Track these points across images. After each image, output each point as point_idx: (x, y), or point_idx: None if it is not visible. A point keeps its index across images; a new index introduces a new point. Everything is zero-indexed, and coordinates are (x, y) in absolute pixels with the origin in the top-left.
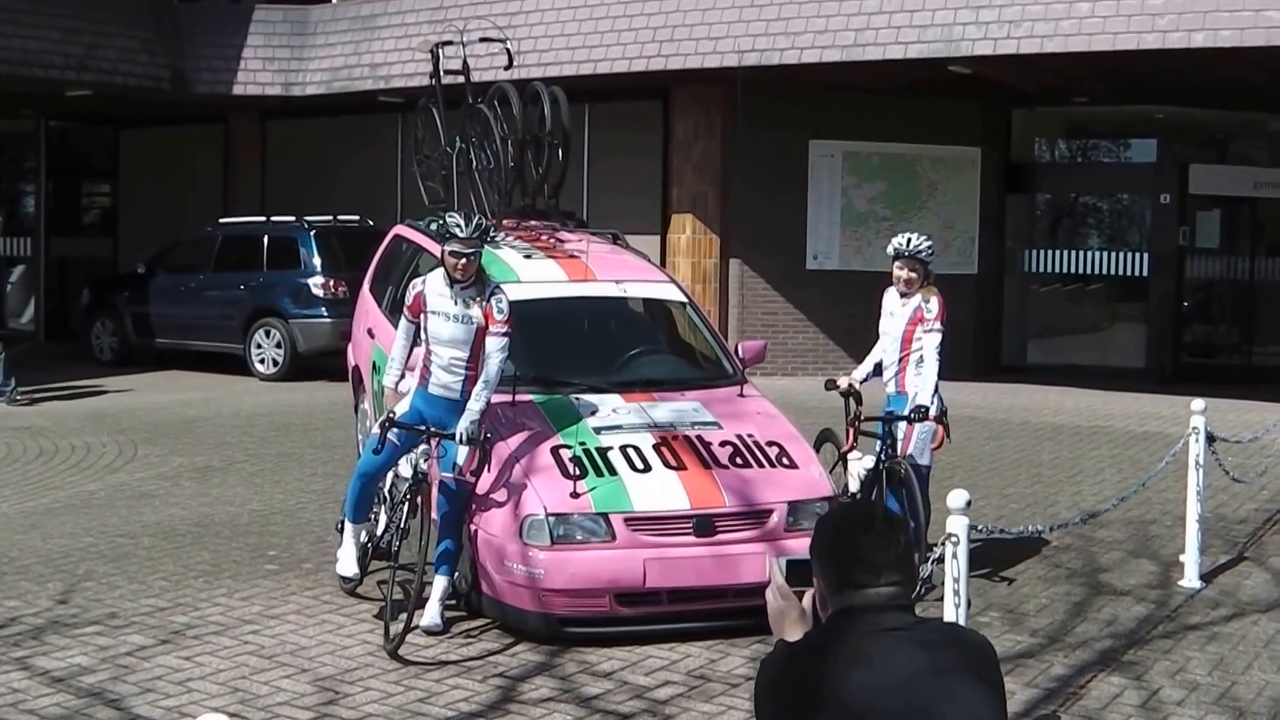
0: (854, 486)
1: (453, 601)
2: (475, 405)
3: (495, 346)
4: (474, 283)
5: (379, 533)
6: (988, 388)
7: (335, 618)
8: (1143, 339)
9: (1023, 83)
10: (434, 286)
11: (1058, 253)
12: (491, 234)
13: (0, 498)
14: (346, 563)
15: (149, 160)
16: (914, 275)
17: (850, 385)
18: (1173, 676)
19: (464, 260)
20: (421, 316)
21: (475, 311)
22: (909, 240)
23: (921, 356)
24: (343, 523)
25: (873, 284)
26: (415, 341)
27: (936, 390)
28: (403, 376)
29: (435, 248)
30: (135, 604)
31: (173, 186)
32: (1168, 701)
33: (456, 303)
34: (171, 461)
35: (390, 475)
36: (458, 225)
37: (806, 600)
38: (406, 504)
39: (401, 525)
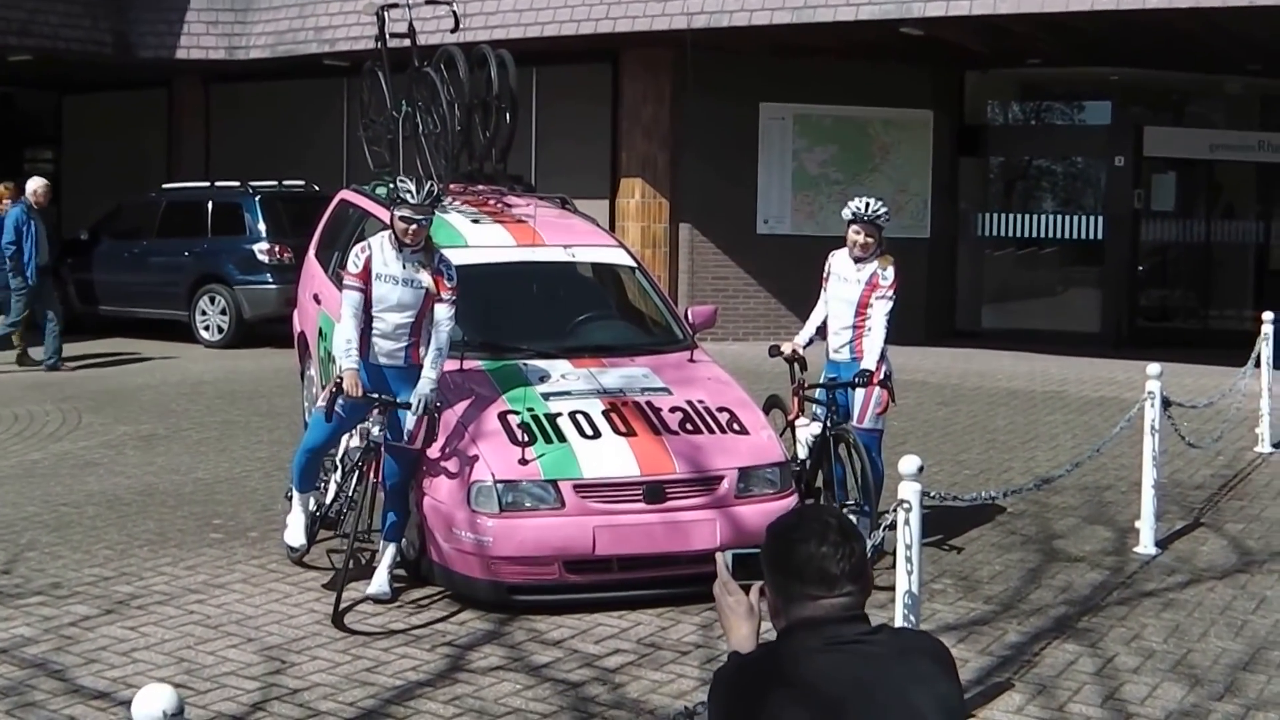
0: (802, 454)
1: (401, 570)
2: (432, 373)
3: (445, 314)
4: (422, 248)
5: (328, 502)
6: (941, 353)
7: (282, 587)
8: (1098, 303)
9: (975, 44)
10: (381, 250)
11: (1011, 216)
12: (441, 199)
13: None
14: (294, 532)
15: (92, 126)
16: (870, 240)
17: (794, 351)
18: (1128, 644)
19: (414, 225)
20: (368, 281)
21: (424, 277)
22: (868, 205)
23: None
24: (291, 491)
25: (824, 248)
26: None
27: (884, 355)
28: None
29: (382, 212)
30: (79, 574)
31: (116, 152)
32: (1123, 669)
33: (405, 267)
34: (116, 430)
35: (343, 443)
36: (409, 191)
37: (754, 594)
38: (357, 473)
39: (351, 494)
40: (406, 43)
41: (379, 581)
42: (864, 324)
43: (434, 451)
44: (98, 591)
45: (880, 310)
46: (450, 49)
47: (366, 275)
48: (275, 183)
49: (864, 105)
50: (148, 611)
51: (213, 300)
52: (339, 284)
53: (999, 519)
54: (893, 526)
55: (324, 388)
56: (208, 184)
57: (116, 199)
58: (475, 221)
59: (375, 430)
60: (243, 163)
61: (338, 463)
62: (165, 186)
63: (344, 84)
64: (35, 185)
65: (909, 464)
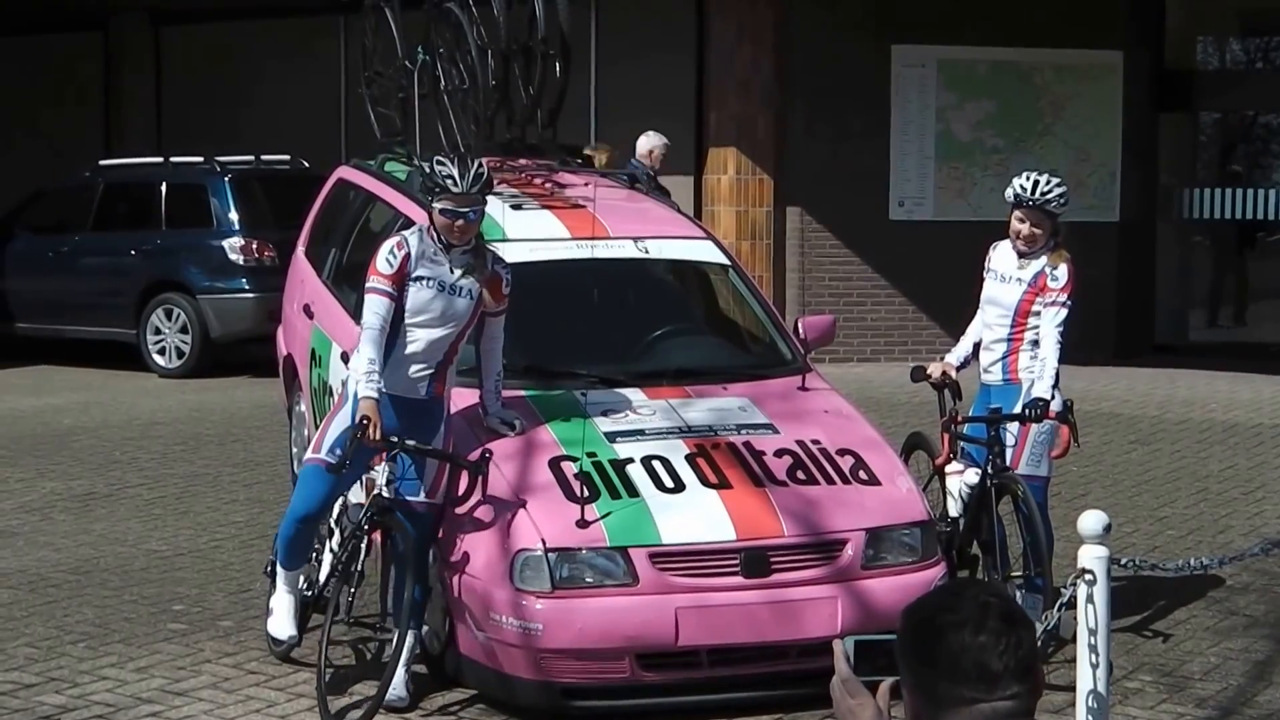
0: (954, 510)
1: (420, 665)
2: (497, 405)
3: (500, 329)
4: (472, 247)
5: (322, 579)
6: (1135, 374)
7: (264, 693)
8: None
9: None
10: (421, 248)
11: (1230, 192)
12: (493, 182)
13: None
14: (280, 620)
15: (4, 82)
16: (1038, 231)
17: (945, 374)
18: None
19: (462, 220)
20: (405, 286)
21: (476, 284)
22: (1035, 184)
23: (1038, 338)
24: (273, 565)
25: (979, 238)
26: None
27: (1057, 380)
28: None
29: (393, 196)
30: None
31: (35, 117)
32: None
33: (454, 270)
34: (40, 487)
35: (338, 503)
36: (450, 176)
37: (883, 695)
38: (364, 539)
39: (357, 568)
40: None
41: (393, 682)
42: (1022, 337)
43: (465, 509)
44: (17, 703)
45: (1051, 320)
46: None
47: (401, 278)
48: (251, 158)
49: (1031, 46)
50: None
51: (169, 314)
52: (341, 287)
53: (1214, 594)
54: (1071, 606)
55: (318, 429)
56: (160, 160)
57: (35, 180)
58: (516, 207)
59: (383, 483)
60: (207, 131)
61: (333, 525)
62: (103, 163)
63: (340, 25)
64: (653, 143)
65: (1093, 522)
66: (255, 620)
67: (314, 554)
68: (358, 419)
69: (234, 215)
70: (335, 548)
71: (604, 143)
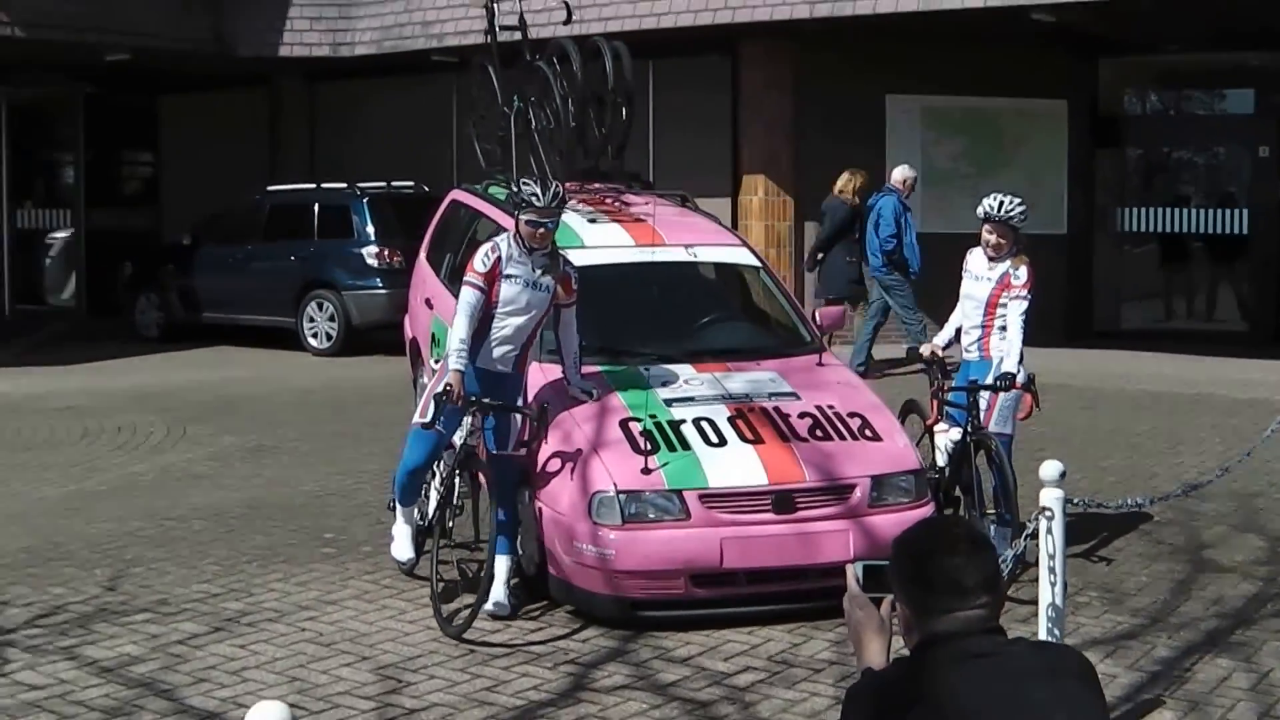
0: (941, 461)
1: (516, 580)
2: (578, 377)
3: (572, 316)
4: (548, 252)
5: (430, 511)
6: (1080, 354)
7: (396, 603)
8: (1244, 301)
9: (1109, 30)
10: (509, 251)
11: (1152, 210)
12: (567, 200)
13: (44, 480)
14: (401, 545)
15: (191, 127)
16: (1003, 241)
17: (934, 353)
18: None
19: (542, 229)
20: (496, 282)
21: (551, 280)
22: (1000, 204)
23: (1005, 324)
24: (394, 502)
25: (956, 246)
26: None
27: (1021, 357)
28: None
29: (494, 213)
30: (186, 590)
31: (216, 154)
32: (1279, 684)
33: (535, 269)
34: (221, 441)
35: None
36: (534, 194)
37: (885, 608)
38: (456, 479)
39: (455, 502)
40: (517, 36)
41: (496, 594)
42: (993, 323)
43: (551, 459)
44: (206, 608)
45: (1016, 310)
46: (563, 41)
47: (493, 276)
48: (383, 184)
49: (994, 96)
50: (258, 629)
51: (320, 306)
52: (455, 284)
53: (1145, 528)
54: (1034, 536)
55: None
56: (313, 186)
57: (216, 202)
58: (592, 221)
59: (465, 435)
60: (348, 163)
61: (435, 469)
62: (270, 189)
63: (453, 80)
64: (907, 174)
65: (1051, 470)
66: (389, 546)
67: (424, 491)
68: (442, 387)
69: (371, 229)
70: (439, 486)
71: (860, 170)
